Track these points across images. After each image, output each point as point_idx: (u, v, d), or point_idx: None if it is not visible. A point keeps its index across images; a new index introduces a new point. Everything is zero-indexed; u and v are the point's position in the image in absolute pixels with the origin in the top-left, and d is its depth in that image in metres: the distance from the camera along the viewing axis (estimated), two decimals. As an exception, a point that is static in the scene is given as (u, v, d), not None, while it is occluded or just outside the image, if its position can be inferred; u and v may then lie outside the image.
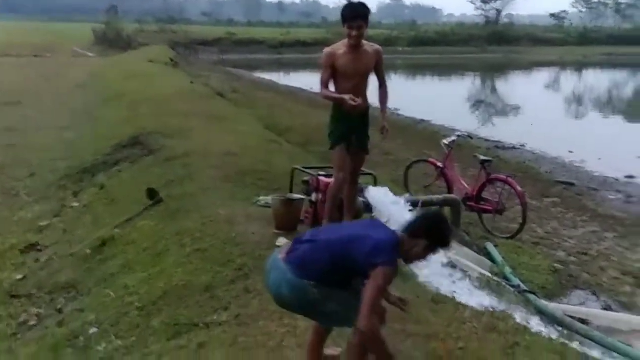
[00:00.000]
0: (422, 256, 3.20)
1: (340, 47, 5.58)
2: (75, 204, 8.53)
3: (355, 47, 5.51)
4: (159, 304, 4.94)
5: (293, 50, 54.93)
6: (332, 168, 6.55)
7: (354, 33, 5.42)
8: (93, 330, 4.93)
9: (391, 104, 6.10)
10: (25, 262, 6.84)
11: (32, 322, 5.48)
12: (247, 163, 8.94)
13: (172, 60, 31.67)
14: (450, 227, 3.30)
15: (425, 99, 22.71)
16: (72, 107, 18.22)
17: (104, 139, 12.11)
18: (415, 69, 39.00)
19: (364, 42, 5.56)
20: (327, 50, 5.67)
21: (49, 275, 6.33)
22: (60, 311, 5.53)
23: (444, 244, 3.21)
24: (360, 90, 5.62)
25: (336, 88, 5.68)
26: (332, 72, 5.59)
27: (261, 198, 7.09)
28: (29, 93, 20.61)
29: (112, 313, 5.08)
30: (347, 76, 5.56)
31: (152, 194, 7.40)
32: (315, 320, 3.44)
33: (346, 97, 5.46)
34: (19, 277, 6.45)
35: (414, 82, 34.54)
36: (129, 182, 8.65)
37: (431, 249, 3.18)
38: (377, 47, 5.74)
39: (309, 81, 30.50)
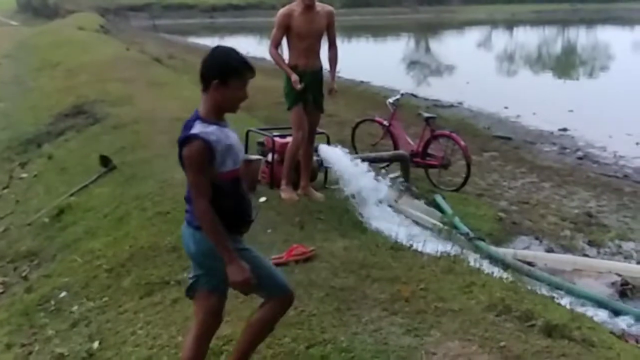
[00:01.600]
0: (239, 95, 2.83)
1: (295, 8, 5.74)
2: (24, 175, 8.47)
3: (309, 7, 5.68)
4: (128, 266, 5.06)
5: (226, 14, 54.01)
6: (282, 129, 6.76)
7: None
8: (63, 294, 5.01)
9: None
10: (-20, 234, 6.82)
11: (-2, 291, 5.54)
12: (196, 127, 9.00)
13: (102, 27, 30.88)
14: (229, 48, 2.87)
15: (362, 60, 22.88)
16: (2, 78, 17.69)
17: (43, 109, 11.91)
18: (350, 31, 39.07)
19: (317, 3, 5.75)
20: (282, 10, 5.83)
21: (8, 245, 6.36)
22: (26, 278, 5.59)
23: (236, 65, 2.80)
24: (313, 50, 5.83)
25: (290, 48, 5.86)
26: (286, 32, 5.76)
27: (216, 161, 7.22)
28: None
29: (80, 277, 5.16)
30: (301, 36, 5.74)
31: (104, 161, 7.43)
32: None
33: (293, 77, 5.77)
34: (-24, 248, 6.44)
35: (350, 44, 34.62)
36: (78, 151, 8.62)
37: (230, 81, 2.78)
38: (330, 8, 5.94)
39: (245, 45, 30.29)
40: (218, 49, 2.89)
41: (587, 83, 22.26)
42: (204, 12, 55.32)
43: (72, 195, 6.87)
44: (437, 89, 18.37)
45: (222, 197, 2.83)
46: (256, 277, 2.88)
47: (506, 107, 15.11)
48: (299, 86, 5.77)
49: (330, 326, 3.73)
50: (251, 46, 29.16)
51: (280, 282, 3.06)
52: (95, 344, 4.13)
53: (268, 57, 6.21)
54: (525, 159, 10.70)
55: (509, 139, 12.20)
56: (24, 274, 5.68)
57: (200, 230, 2.84)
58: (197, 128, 2.77)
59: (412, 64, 26.89)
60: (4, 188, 8.17)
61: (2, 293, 5.50)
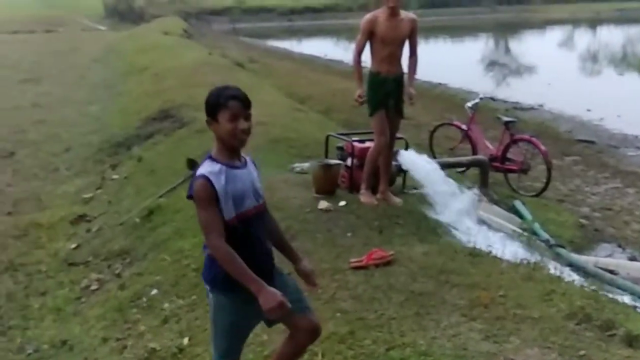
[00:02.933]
0: (229, 128, 2.79)
1: (379, 14, 5.88)
2: (116, 176, 8.90)
3: (393, 14, 5.81)
4: (214, 266, 5.29)
5: (304, 17, 54.57)
6: (361, 133, 6.90)
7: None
8: (154, 291, 5.30)
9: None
10: (76, 233, 7.23)
11: (93, 287, 5.87)
12: (277, 131, 9.25)
13: (185, 31, 31.81)
14: (220, 86, 2.90)
15: (440, 62, 22.69)
16: (92, 81, 18.50)
17: (131, 113, 12.44)
18: (427, 31, 38.73)
19: (401, 10, 5.88)
20: (367, 16, 5.97)
21: (102, 244, 6.72)
22: (119, 276, 5.92)
23: (220, 101, 2.80)
24: (395, 56, 5.95)
25: (372, 54, 6.00)
26: (370, 38, 5.91)
27: (296, 165, 7.42)
28: (47, 69, 20.90)
29: (170, 275, 5.44)
30: (385, 42, 5.87)
31: (191, 164, 7.72)
32: None
33: (357, 93, 6.05)
34: (73, 246, 6.84)
35: (427, 45, 34.40)
36: (166, 154, 8.99)
37: (218, 116, 2.79)
38: (413, 16, 6.05)
39: (323, 48, 30.60)
40: (211, 89, 2.90)
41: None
42: (282, 15, 56.03)
43: (161, 196, 7.19)
44: (516, 91, 18.07)
45: (229, 239, 2.78)
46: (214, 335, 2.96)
47: (589, 110, 14.76)
48: (358, 102, 6.01)
49: (410, 330, 3.83)
50: (328, 48, 29.41)
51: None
52: (185, 340, 4.36)
53: (345, 59, 6.41)
54: (608, 163, 10.46)
55: (592, 142, 11.93)
56: (117, 272, 6.01)
57: (221, 292, 2.89)
58: (203, 168, 2.80)
59: (491, 65, 26.50)
60: (97, 189, 8.61)
61: (97, 289, 5.82)
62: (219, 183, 2.75)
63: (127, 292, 5.50)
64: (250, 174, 2.92)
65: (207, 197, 2.75)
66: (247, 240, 2.85)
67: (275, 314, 2.71)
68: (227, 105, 2.78)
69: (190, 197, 2.81)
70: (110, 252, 6.45)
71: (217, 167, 2.79)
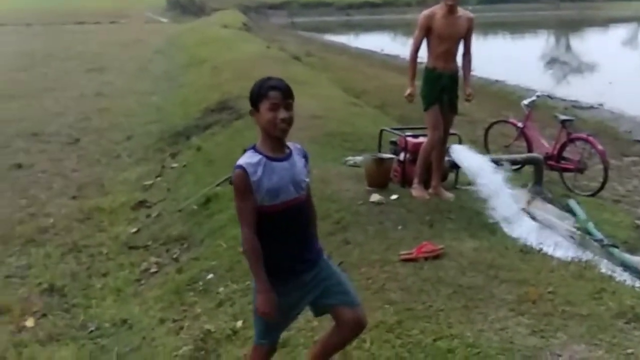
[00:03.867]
0: (270, 117, 2.86)
1: (437, 11, 5.95)
2: (175, 165, 9.19)
3: (451, 10, 5.87)
4: (268, 253, 5.46)
5: (362, 11, 54.56)
6: (415, 129, 6.97)
7: None
8: (210, 276, 5.50)
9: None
10: (137, 218, 7.52)
11: (152, 270, 6.11)
12: (332, 125, 9.38)
13: (244, 24, 32.24)
14: (263, 78, 3.00)
15: (498, 58, 22.42)
16: (154, 73, 19.01)
17: (191, 104, 12.77)
18: (486, 27, 38.24)
19: (459, 7, 5.93)
20: (425, 12, 6.05)
21: (161, 229, 6.97)
22: (177, 260, 6.15)
23: (262, 92, 2.89)
24: (451, 53, 6.01)
25: (429, 50, 6.07)
26: (427, 34, 5.98)
27: (349, 158, 7.53)
28: (111, 59, 21.54)
29: (225, 261, 5.64)
30: (442, 39, 5.94)
31: (247, 154, 7.93)
32: None
33: (408, 90, 6.20)
34: (133, 230, 7.12)
35: (485, 41, 33.96)
36: (224, 144, 9.23)
37: (260, 106, 2.88)
38: (470, 14, 6.09)
39: (380, 43, 30.55)
40: (255, 82, 2.99)
41: None
42: (340, 9, 56.11)
43: (218, 185, 7.40)
44: (576, 89, 17.75)
45: (263, 227, 2.89)
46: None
47: (651, 110, 14.39)
48: (409, 99, 6.21)
49: (457, 322, 3.90)
50: (385, 43, 29.37)
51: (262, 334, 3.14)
52: (239, 323, 4.52)
53: (402, 54, 6.51)
54: (668, 165, 10.23)
55: (653, 143, 11.68)
56: (175, 256, 6.25)
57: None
58: (243, 158, 2.87)
59: (551, 63, 26.04)
60: (157, 177, 8.90)
61: (156, 272, 6.06)
62: (255, 174, 2.83)
63: (184, 275, 5.72)
64: (292, 167, 2.96)
65: (242, 187, 2.84)
66: (281, 230, 2.94)
67: (264, 316, 2.93)
68: (267, 95, 2.87)
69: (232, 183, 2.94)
70: (168, 237, 6.70)
71: (256, 158, 2.86)
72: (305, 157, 3.10)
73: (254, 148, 2.92)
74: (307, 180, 3.05)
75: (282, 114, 2.88)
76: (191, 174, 8.47)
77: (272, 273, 2.91)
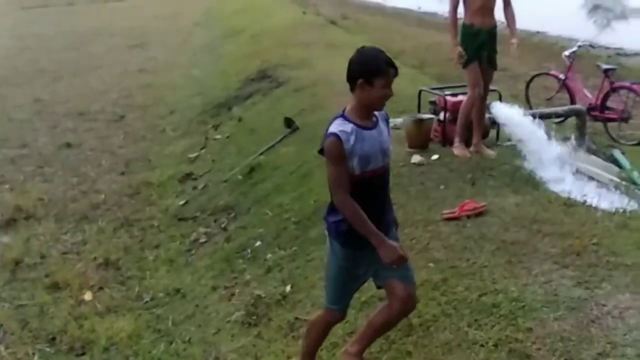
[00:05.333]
0: (382, 94, 2.91)
1: None
2: (218, 136, 9.36)
3: None
4: (313, 218, 5.57)
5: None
6: (454, 87, 6.94)
7: None
8: (258, 243, 5.67)
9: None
10: (184, 190, 7.73)
11: (202, 240, 6.31)
12: (370, 88, 9.36)
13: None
14: (373, 49, 3.01)
15: (538, 8, 21.84)
16: (194, 45, 19.14)
17: (231, 74, 12.89)
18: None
19: None
20: None
21: (208, 200, 7.16)
22: (225, 229, 6.33)
23: (381, 66, 2.88)
24: (488, 7, 5.95)
25: (465, 6, 6.02)
26: None
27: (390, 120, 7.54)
28: (152, 34, 21.74)
29: (272, 228, 5.79)
30: None
31: (288, 122, 8.03)
32: None
33: (457, 50, 6.00)
34: (182, 202, 7.33)
35: (525, -8, 33.14)
36: (264, 113, 9.35)
37: (375, 81, 2.87)
38: None
39: (416, 0, 30.01)
40: (364, 50, 2.99)
41: None
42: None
43: (261, 154, 7.54)
44: (621, 36, 17.18)
45: (353, 194, 2.95)
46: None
47: (700, 53, 13.93)
48: (457, 62, 6.03)
49: (501, 277, 3.95)
50: (422, 0, 28.80)
51: (335, 300, 3.27)
52: (288, 288, 4.69)
53: (440, 11, 6.44)
54: None
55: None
56: (223, 226, 6.42)
57: (334, 239, 3.10)
58: (335, 126, 2.91)
59: (594, 10, 25.23)
60: (201, 149, 9.09)
61: (205, 242, 6.26)
62: (348, 142, 2.89)
63: (232, 244, 5.90)
64: (380, 135, 3.02)
65: (337, 154, 2.91)
66: (368, 197, 3.00)
67: (395, 264, 2.97)
68: (387, 72, 2.88)
69: (320, 151, 3.01)
70: (216, 207, 6.88)
71: (349, 126, 2.91)
72: (387, 120, 3.16)
73: (343, 116, 2.96)
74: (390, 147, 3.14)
75: (391, 91, 2.94)
76: (234, 145, 8.63)
77: (353, 237, 3.00)
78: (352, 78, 2.93)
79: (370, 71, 2.88)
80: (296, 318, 4.24)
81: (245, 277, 5.23)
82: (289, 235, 5.54)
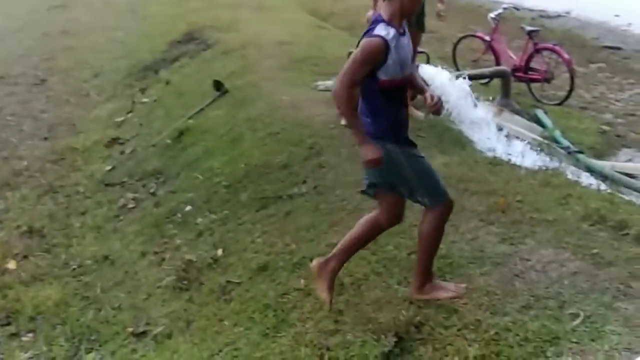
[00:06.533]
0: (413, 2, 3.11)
1: None
2: (145, 100, 9.12)
3: None
4: (244, 182, 5.55)
5: None
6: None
7: None
8: (188, 208, 5.60)
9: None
10: (111, 155, 7.53)
11: (130, 205, 6.19)
12: (300, 51, 9.30)
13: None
14: None
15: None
16: (118, 6, 18.46)
17: (157, 37, 12.49)
18: (453, -61, 37.52)
19: None
20: None
21: (136, 164, 7.00)
22: (154, 194, 6.22)
23: None
24: None
25: None
26: None
27: (320, 83, 7.52)
28: (72, -6, 20.82)
29: (202, 192, 5.73)
30: None
31: (217, 85, 7.90)
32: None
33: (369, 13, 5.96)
34: (109, 167, 7.15)
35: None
36: (193, 76, 9.15)
37: None
38: None
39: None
40: None
41: None
42: None
43: (190, 118, 7.40)
44: (544, -2, 17.55)
45: (387, 99, 3.12)
46: (418, 182, 3.22)
47: (617, 15, 14.30)
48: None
49: (429, 235, 4.03)
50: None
51: (442, 191, 3.31)
52: (219, 251, 4.66)
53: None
54: (634, 69, 10.31)
55: (618, 48, 11.70)
56: (152, 191, 6.31)
57: (374, 138, 3.12)
58: (381, 30, 3.00)
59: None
60: (128, 112, 8.84)
61: (134, 208, 6.13)
62: (390, 48, 3.00)
63: (162, 209, 5.81)
64: (409, 42, 3.20)
65: (374, 56, 3.00)
66: (401, 104, 3.22)
67: (370, 166, 3.11)
68: None
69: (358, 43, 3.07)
70: (144, 172, 6.74)
71: (392, 32, 3.02)
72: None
73: (384, 22, 3.04)
74: None
75: None
76: (162, 108, 8.44)
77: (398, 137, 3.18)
78: None
79: None
80: (228, 281, 4.24)
81: (175, 242, 5.17)
82: (219, 199, 5.49)
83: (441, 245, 3.84)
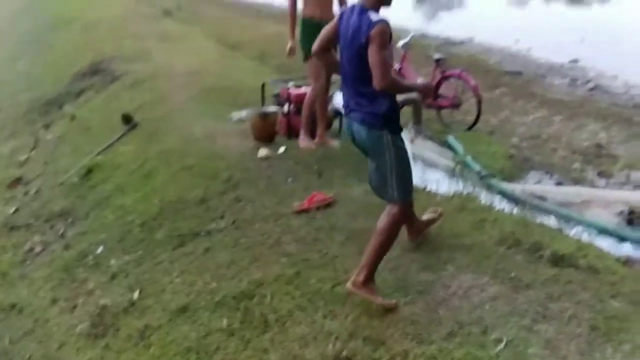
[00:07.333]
0: None
1: None
2: (50, 136, 8.78)
3: None
4: (159, 219, 5.37)
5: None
6: (297, 79, 6.97)
7: None
8: (100, 249, 5.36)
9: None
10: (14, 196, 7.18)
11: (38, 249, 5.89)
12: (210, 81, 9.21)
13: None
14: None
15: None
16: (19, 35, 17.84)
17: (61, 68, 12.14)
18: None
19: None
20: None
21: (42, 205, 6.69)
22: (63, 236, 5.94)
23: None
24: (327, 0, 5.98)
25: (304, 1, 6.03)
26: None
27: (234, 114, 7.45)
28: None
29: (115, 232, 5.50)
30: None
31: (127, 119, 7.69)
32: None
33: (289, 44, 6.20)
34: (12, 210, 6.81)
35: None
36: (100, 110, 8.89)
37: None
38: None
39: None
40: None
41: (599, 10, 21.87)
42: (208, -43, 54.33)
43: (98, 154, 7.16)
44: (448, 25, 18.14)
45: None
46: (397, 173, 3.52)
47: (517, 40, 14.98)
48: (289, 55, 6.18)
49: (353, 267, 3.96)
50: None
51: (411, 189, 3.67)
52: (136, 294, 4.46)
53: (276, 3, 6.41)
54: (536, 93, 10.74)
55: (520, 73, 12.18)
56: (60, 232, 6.02)
57: (371, 127, 3.47)
58: (376, 16, 3.32)
59: (422, 1, 26.54)
60: (31, 150, 8.49)
61: (41, 251, 5.84)
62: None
63: (72, 251, 5.55)
64: None
65: (388, 38, 3.32)
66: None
67: (424, 92, 3.93)
68: None
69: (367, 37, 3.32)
70: (51, 213, 6.45)
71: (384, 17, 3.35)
72: None
73: (371, 10, 3.36)
74: None
75: None
76: (68, 145, 8.14)
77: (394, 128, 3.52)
78: None
79: None
80: (146, 325, 4.06)
81: (88, 286, 4.92)
82: (133, 238, 5.29)
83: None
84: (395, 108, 3.52)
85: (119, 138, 7.40)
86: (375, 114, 3.46)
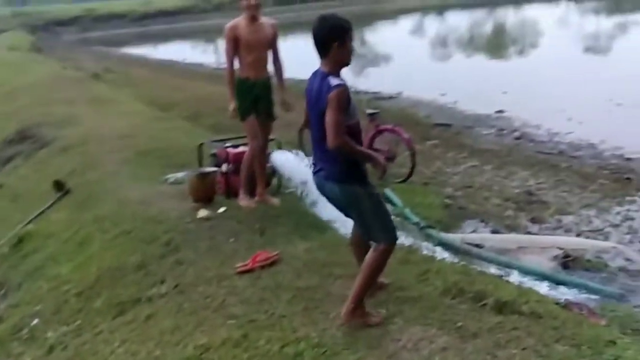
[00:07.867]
0: (348, 52, 3.55)
1: (241, 21, 5.99)
2: (-24, 206, 8.44)
3: (254, 18, 5.93)
4: (96, 288, 5.18)
5: (157, 21, 53.50)
6: (234, 139, 6.98)
7: (253, 2, 5.84)
8: (35, 321, 5.12)
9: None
10: (-61, 271, 6.81)
11: (-34, 326, 5.57)
12: (143, 143, 9.12)
13: (34, 45, 30.35)
14: (331, 14, 3.63)
15: (301, 58, 22.97)
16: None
17: (-15, 137, 11.78)
18: (285, 29, 39.12)
19: (261, 16, 6.01)
20: (229, 24, 6.06)
21: (-30, 279, 6.38)
22: (-6, 310, 5.66)
23: (346, 25, 3.53)
24: (261, 60, 6.07)
25: (239, 60, 6.08)
26: (235, 45, 5.98)
27: (170, 176, 7.37)
28: None
29: (50, 303, 5.27)
30: (250, 48, 5.97)
31: (59, 185, 7.50)
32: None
33: (231, 106, 6.15)
34: (-63, 286, 6.44)
35: (286, 43, 34.71)
36: (29, 177, 8.65)
37: (346, 39, 3.52)
38: (273, 21, 6.20)
39: (181, 52, 30.14)
40: (326, 18, 3.55)
41: (518, 62, 22.88)
42: (135, 20, 54.74)
43: (29, 223, 6.93)
44: (376, 81, 18.61)
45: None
46: (377, 222, 3.71)
47: (443, 94, 15.49)
48: (232, 116, 6.16)
49: (301, 325, 3.96)
50: (187, 52, 28.98)
51: (394, 230, 3.80)
52: (75, 367, 4.28)
53: (206, 62, 6.46)
54: (465, 144, 11.07)
55: (449, 125, 12.55)
56: (-9, 306, 5.75)
57: (341, 183, 3.66)
58: (335, 80, 3.46)
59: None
60: (-44, 222, 8.13)
61: (-29, 327, 5.54)
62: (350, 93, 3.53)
63: (5, 325, 5.30)
64: None
65: (346, 101, 3.48)
66: (360, 144, 3.66)
67: (379, 170, 3.65)
68: (351, 30, 3.51)
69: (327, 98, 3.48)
70: (-20, 286, 6.15)
71: (343, 81, 3.50)
72: None
73: (331, 75, 3.50)
74: None
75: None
76: (-4, 214, 7.85)
77: (363, 179, 3.69)
78: (326, 44, 3.49)
79: (343, 31, 3.49)
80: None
81: (23, 361, 4.68)
82: (70, 308, 5.08)
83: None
84: (357, 162, 3.68)
85: (50, 205, 7.20)
86: (341, 171, 3.64)
